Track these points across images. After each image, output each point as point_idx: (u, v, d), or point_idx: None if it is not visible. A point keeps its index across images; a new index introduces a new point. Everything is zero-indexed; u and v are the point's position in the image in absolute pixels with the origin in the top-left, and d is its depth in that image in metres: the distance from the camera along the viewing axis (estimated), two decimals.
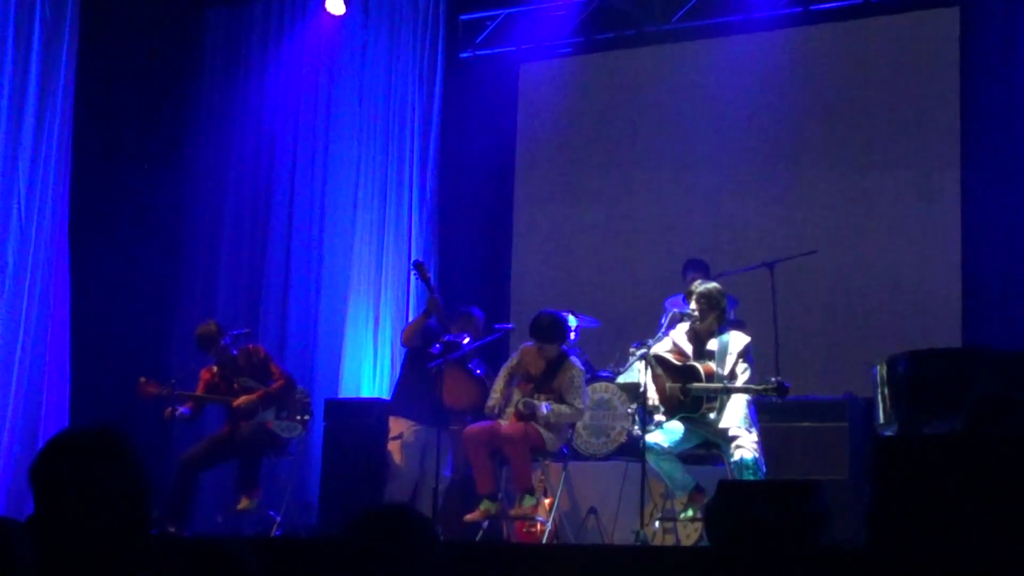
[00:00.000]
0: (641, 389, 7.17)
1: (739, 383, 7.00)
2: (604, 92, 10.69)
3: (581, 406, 7.77)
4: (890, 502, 4.26)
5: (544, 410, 7.64)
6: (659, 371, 7.17)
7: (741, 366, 7.04)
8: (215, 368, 8.58)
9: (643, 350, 7.22)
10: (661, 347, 7.26)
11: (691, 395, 7.02)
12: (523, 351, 7.84)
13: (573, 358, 7.92)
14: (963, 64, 9.37)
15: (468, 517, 7.63)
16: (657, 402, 7.15)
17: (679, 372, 7.12)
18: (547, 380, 7.78)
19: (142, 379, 8.54)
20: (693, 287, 7.33)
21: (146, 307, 10.62)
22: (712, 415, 7.02)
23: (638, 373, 7.25)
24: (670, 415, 7.11)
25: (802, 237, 9.36)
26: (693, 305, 7.21)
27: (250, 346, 8.69)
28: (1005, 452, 4.16)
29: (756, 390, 6.87)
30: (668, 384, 7.14)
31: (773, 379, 6.86)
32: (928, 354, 6.35)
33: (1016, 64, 9.06)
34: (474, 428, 7.83)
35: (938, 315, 9.15)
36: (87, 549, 2.48)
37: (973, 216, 9.19)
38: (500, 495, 7.79)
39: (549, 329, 7.72)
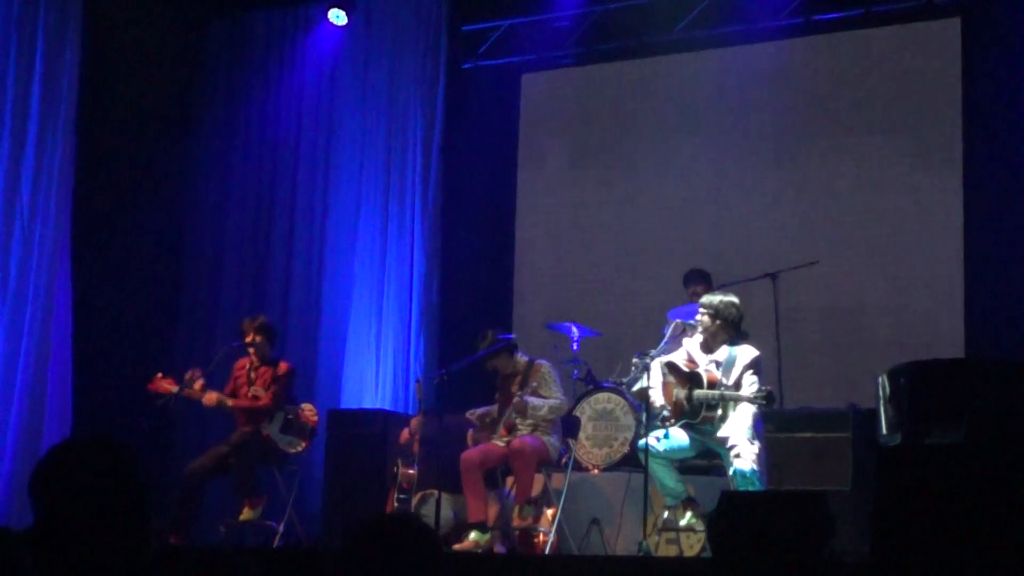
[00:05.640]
0: (648, 391, 7.22)
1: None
2: (606, 102, 10.69)
3: (560, 396, 8.07)
4: (893, 513, 4.25)
5: (534, 401, 7.89)
6: (670, 379, 7.24)
7: (749, 378, 7.05)
8: (246, 364, 8.57)
9: (646, 360, 7.26)
10: (677, 356, 7.34)
11: (693, 402, 7.06)
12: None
13: (539, 360, 8.19)
14: (965, 74, 9.38)
15: (457, 546, 7.64)
16: (663, 405, 7.21)
17: (686, 378, 7.16)
18: (523, 387, 8.02)
19: (159, 375, 8.52)
20: (702, 300, 7.39)
21: (148, 317, 10.63)
22: (711, 424, 7.04)
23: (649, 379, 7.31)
24: (675, 421, 7.14)
25: (805, 247, 9.36)
26: (698, 317, 7.28)
27: (284, 365, 8.67)
28: (1008, 462, 4.15)
29: (745, 398, 6.92)
30: (675, 391, 7.18)
31: (763, 388, 6.90)
32: (930, 365, 6.33)
33: (1018, 74, 9.06)
34: (471, 453, 7.92)
35: (940, 325, 9.14)
36: (87, 560, 2.47)
37: (976, 225, 9.18)
38: (491, 526, 7.83)
39: (497, 354, 8.13)
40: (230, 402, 8.48)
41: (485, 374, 8.40)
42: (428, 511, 7.95)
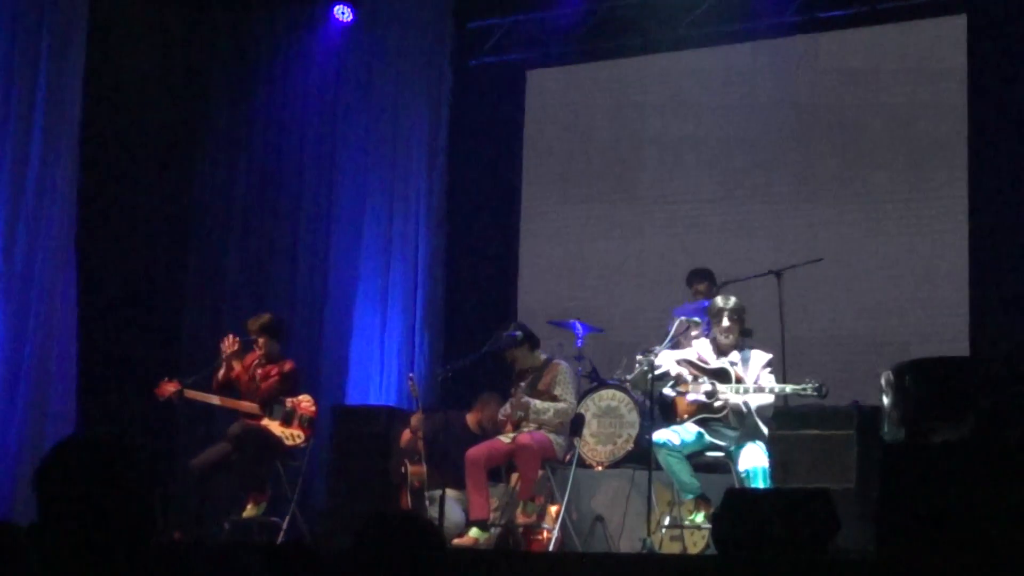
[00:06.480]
0: (649, 383, 7.24)
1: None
2: (611, 99, 10.68)
3: (571, 399, 8.01)
4: (897, 509, 4.25)
5: (536, 404, 7.90)
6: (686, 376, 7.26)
7: (767, 378, 7.11)
8: (254, 360, 8.59)
9: (650, 357, 7.28)
10: (688, 356, 7.36)
11: (715, 397, 7.08)
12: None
13: (556, 359, 8.19)
14: (970, 71, 9.37)
15: (456, 541, 7.64)
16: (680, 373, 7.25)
17: (710, 374, 7.20)
18: (535, 383, 8.03)
19: (164, 380, 8.55)
20: (724, 303, 7.37)
21: (153, 313, 10.63)
22: (730, 421, 7.09)
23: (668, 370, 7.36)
24: (691, 416, 7.18)
25: (809, 244, 9.36)
26: (726, 322, 7.28)
27: (288, 364, 8.67)
28: (1011, 460, 4.15)
29: (795, 389, 6.99)
30: (691, 388, 7.24)
31: (811, 380, 6.94)
32: (935, 362, 6.33)
33: (1023, 72, 9.05)
34: (477, 449, 7.91)
35: (945, 322, 9.13)
36: (90, 557, 2.47)
37: (980, 223, 9.17)
38: (491, 525, 7.82)
39: (518, 348, 8.12)
40: (227, 402, 8.51)
41: (492, 370, 8.39)
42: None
